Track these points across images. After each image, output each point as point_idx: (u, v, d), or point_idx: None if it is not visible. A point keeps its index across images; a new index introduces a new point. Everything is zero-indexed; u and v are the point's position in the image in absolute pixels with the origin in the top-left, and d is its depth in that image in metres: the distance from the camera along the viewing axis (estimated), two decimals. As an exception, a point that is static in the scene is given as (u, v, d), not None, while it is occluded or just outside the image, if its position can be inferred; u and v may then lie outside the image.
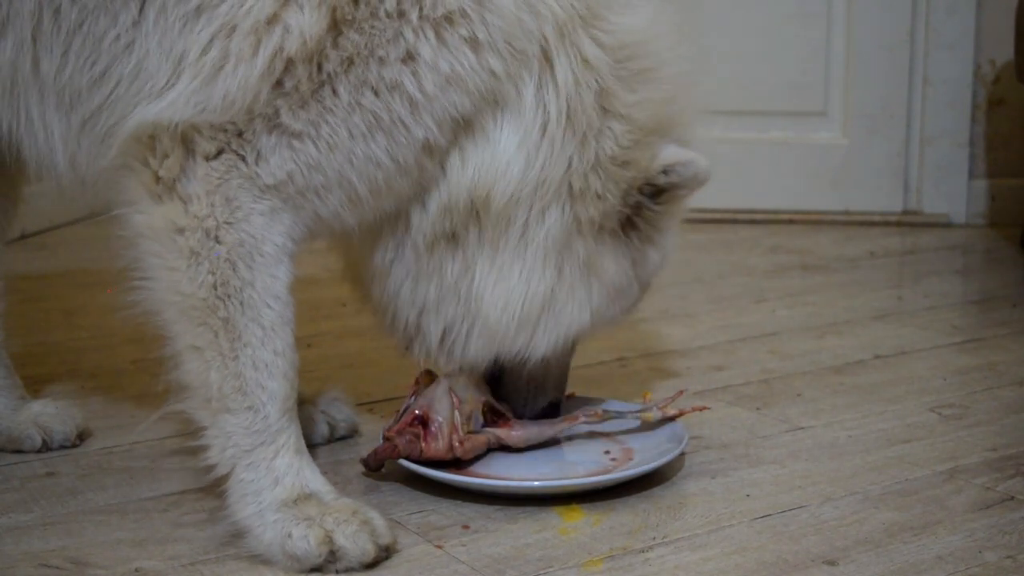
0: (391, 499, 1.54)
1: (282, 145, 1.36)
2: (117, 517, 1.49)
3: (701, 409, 1.73)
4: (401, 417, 1.58)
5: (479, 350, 1.54)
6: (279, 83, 1.35)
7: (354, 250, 1.57)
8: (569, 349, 1.65)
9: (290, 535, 1.34)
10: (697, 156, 1.52)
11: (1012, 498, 1.54)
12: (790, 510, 1.51)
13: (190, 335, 1.38)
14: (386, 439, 1.57)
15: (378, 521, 1.38)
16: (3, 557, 1.38)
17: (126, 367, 2.12)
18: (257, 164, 1.37)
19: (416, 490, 1.57)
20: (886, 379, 2.05)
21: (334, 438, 1.74)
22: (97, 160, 1.45)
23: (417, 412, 1.57)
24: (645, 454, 1.62)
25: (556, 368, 1.67)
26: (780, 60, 3.57)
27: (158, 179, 1.38)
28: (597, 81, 1.46)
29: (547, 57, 1.43)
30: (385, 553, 1.36)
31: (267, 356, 1.38)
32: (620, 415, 1.69)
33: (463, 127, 1.43)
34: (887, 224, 3.58)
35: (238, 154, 1.36)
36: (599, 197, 1.50)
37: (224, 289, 1.37)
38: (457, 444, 1.56)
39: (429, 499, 1.54)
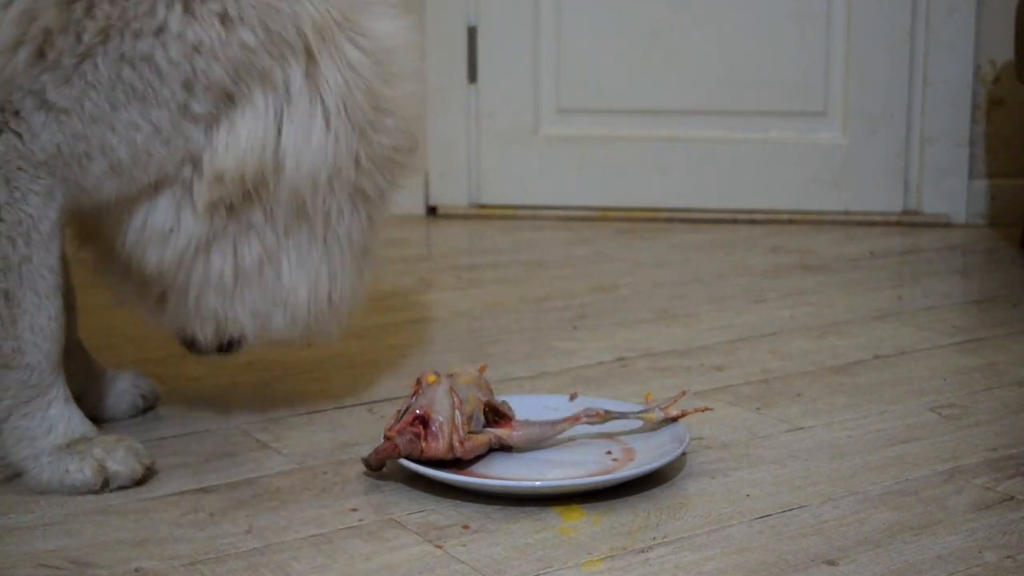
0: (391, 499, 1.54)
1: (50, 121, 1.47)
2: (117, 517, 1.50)
3: (703, 410, 1.73)
4: (402, 417, 1.58)
5: (283, 330, 1.71)
6: (41, 54, 1.44)
7: (112, 224, 1.63)
8: None
9: (67, 470, 1.54)
10: None
11: (1012, 498, 1.54)
12: (790, 510, 1.51)
13: None
14: (387, 439, 1.57)
15: (138, 445, 1.60)
16: (3, 557, 1.38)
17: (126, 367, 2.11)
18: (32, 143, 1.48)
19: (416, 490, 1.57)
20: (886, 379, 2.05)
21: (147, 408, 1.89)
22: None
23: (418, 412, 1.57)
24: (647, 455, 1.62)
25: None
26: (780, 60, 3.57)
27: None
28: (364, 83, 1.60)
29: (310, 53, 1.56)
30: (148, 472, 1.58)
31: (42, 321, 1.53)
32: (622, 416, 1.69)
33: (224, 98, 1.52)
34: (887, 224, 3.58)
35: (15, 132, 1.47)
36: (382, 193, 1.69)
37: (5, 263, 1.50)
38: (458, 444, 1.56)
39: (429, 499, 1.54)
